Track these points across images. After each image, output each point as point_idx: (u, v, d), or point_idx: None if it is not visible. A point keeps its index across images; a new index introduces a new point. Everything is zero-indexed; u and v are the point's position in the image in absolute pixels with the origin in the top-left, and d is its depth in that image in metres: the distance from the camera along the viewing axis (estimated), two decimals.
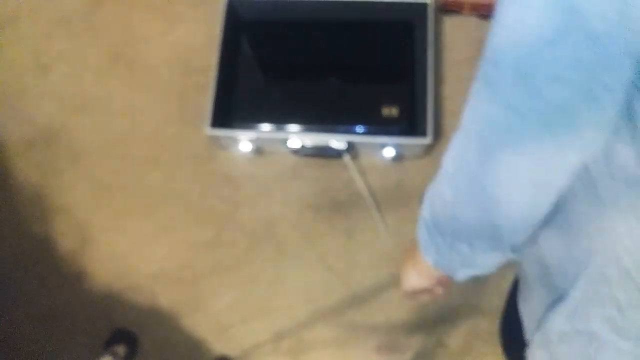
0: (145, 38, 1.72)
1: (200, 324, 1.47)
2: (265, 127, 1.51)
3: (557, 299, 0.62)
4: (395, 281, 1.46)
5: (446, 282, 0.75)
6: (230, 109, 1.53)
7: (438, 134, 1.50)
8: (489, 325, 1.37)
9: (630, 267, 0.52)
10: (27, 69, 1.72)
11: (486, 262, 0.58)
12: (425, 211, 0.59)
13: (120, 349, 1.42)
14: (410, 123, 1.50)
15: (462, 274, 0.61)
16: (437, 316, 1.43)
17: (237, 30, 1.60)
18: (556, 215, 0.57)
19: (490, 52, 0.44)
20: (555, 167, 0.45)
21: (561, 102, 0.41)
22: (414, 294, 0.76)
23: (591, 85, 0.40)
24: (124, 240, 1.55)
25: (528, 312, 0.73)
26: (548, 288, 0.64)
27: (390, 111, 1.50)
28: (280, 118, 1.51)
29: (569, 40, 0.39)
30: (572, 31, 0.38)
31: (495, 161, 0.46)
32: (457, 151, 0.51)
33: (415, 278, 0.71)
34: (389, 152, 1.48)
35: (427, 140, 1.43)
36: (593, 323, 0.58)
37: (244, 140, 1.49)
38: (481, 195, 0.50)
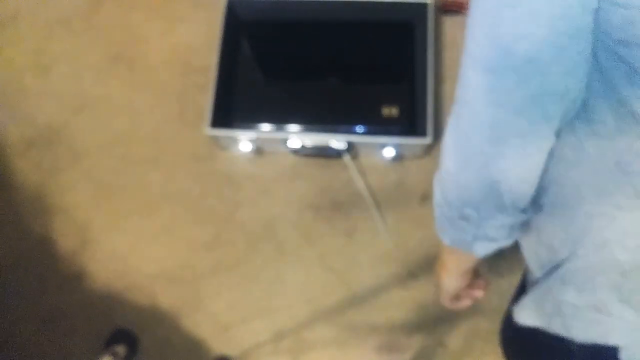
0: (145, 38, 1.72)
1: (200, 324, 1.47)
2: (265, 127, 1.51)
3: (561, 268, 0.63)
4: (395, 281, 1.47)
5: (481, 283, 0.78)
6: (230, 109, 1.53)
7: (438, 134, 1.50)
8: (489, 325, 1.37)
9: (627, 225, 0.54)
10: (27, 69, 1.72)
11: (495, 228, 0.59)
12: (436, 194, 0.61)
13: (120, 349, 1.42)
14: (410, 123, 1.50)
15: (479, 248, 0.62)
16: (437, 316, 1.43)
17: (237, 30, 1.60)
18: (555, 189, 0.58)
19: (469, 27, 0.48)
20: (536, 118, 0.49)
21: (530, 56, 0.44)
22: (455, 300, 0.79)
23: (553, 37, 0.43)
24: (124, 240, 1.55)
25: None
26: (554, 267, 0.65)
27: (390, 111, 1.50)
28: (280, 118, 1.51)
29: None
30: None
31: (483, 121, 0.50)
32: (452, 122, 0.55)
33: (449, 280, 0.74)
34: (389, 152, 1.48)
35: (427, 140, 1.43)
36: (599, 292, 0.59)
37: (244, 140, 1.49)
38: (476, 155, 0.53)
